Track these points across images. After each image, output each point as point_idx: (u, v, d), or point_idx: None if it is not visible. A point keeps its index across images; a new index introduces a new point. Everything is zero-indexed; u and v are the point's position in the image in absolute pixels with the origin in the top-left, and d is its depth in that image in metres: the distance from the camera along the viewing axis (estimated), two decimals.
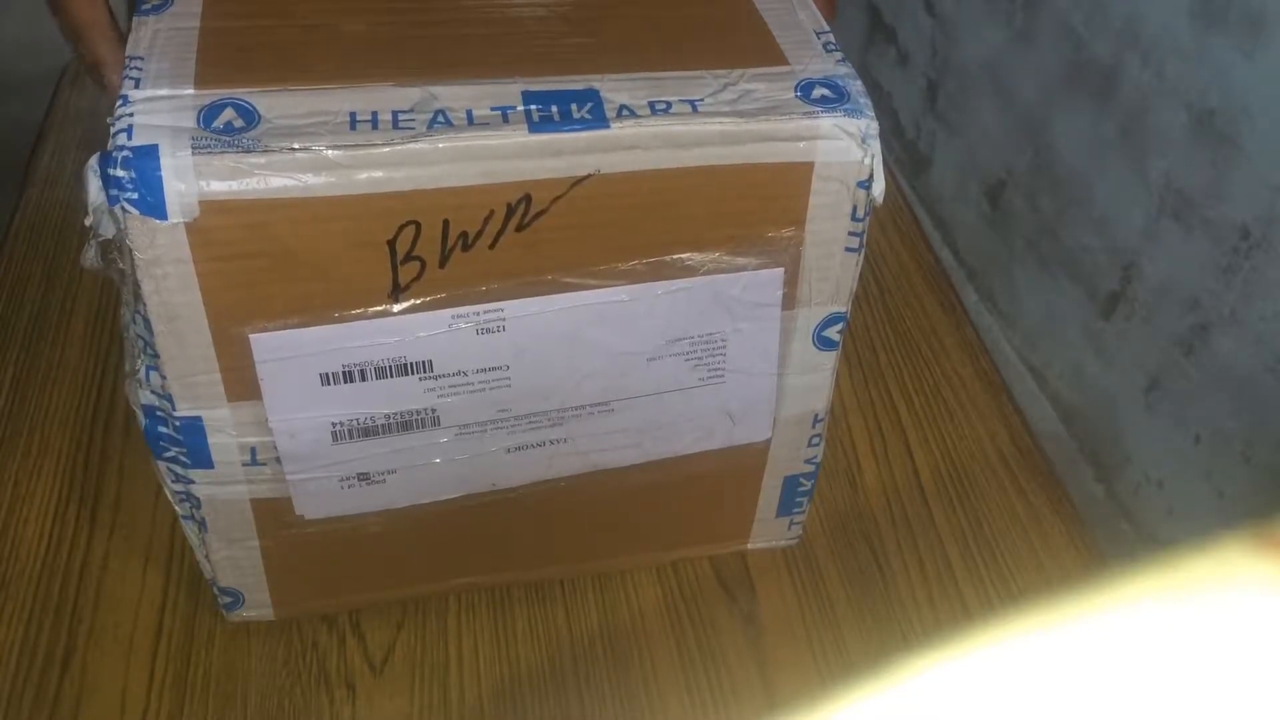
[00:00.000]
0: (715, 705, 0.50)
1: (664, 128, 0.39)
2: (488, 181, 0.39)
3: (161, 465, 0.44)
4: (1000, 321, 1.17)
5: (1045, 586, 0.56)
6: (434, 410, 0.44)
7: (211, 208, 0.36)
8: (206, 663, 0.50)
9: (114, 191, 0.36)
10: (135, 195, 0.36)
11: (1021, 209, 1.11)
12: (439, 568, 0.52)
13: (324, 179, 0.37)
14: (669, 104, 0.40)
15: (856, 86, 0.42)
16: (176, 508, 0.46)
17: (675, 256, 0.42)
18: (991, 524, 0.59)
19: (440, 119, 0.38)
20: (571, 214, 0.40)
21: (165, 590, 0.53)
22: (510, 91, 0.40)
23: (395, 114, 0.38)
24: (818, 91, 0.42)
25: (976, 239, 1.21)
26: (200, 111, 0.37)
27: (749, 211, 0.42)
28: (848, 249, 0.44)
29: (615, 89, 0.40)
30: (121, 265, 0.38)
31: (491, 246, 0.40)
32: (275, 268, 0.38)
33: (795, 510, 0.55)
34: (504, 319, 0.42)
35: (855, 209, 0.43)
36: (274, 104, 0.38)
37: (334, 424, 0.43)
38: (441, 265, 0.40)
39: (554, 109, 0.39)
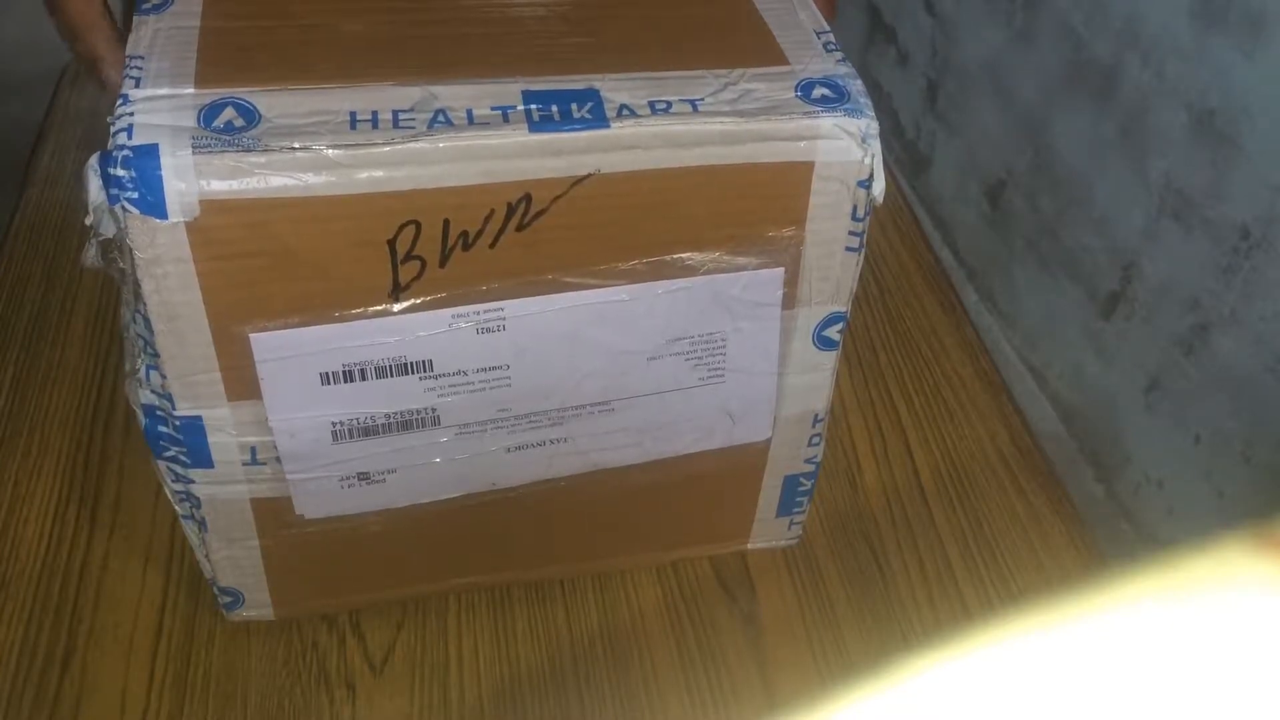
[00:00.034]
0: (715, 705, 0.50)
1: (664, 127, 0.39)
2: (488, 181, 0.39)
3: (161, 465, 0.44)
4: (1000, 321, 1.17)
5: (1045, 586, 0.56)
6: (434, 410, 0.44)
7: (212, 207, 0.36)
8: (206, 663, 0.50)
9: (114, 191, 0.36)
10: (135, 194, 0.36)
11: (1021, 209, 1.11)
12: (439, 567, 0.52)
13: (324, 178, 0.37)
14: (669, 103, 0.40)
15: (857, 86, 0.42)
16: (176, 507, 0.46)
17: (675, 256, 0.42)
18: (991, 524, 0.59)
19: (440, 118, 0.38)
20: (572, 213, 0.40)
21: (165, 590, 0.53)
22: (510, 91, 0.40)
23: (395, 113, 0.38)
24: (818, 91, 0.42)
25: (976, 239, 1.21)
26: (200, 111, 0.37)
27: (749, 211, 0.42)
28: (848, 248, 0.44)
29: (615, 88, 0.40)
30: (122, 264, 0.38)
31: (492, 246, 0.40)
32: (275, 267, 0.38)
33: (795, 510, 0.55)
34: (504, 318, 0.42)
35: (855, 208, 0.43)
36: (274, 103, 0.38)
37: (334, 423, 0.43)
38: (442, 265, 0.40)
39: (554, 108, 0.39)
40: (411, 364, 0.42)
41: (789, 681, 0.51)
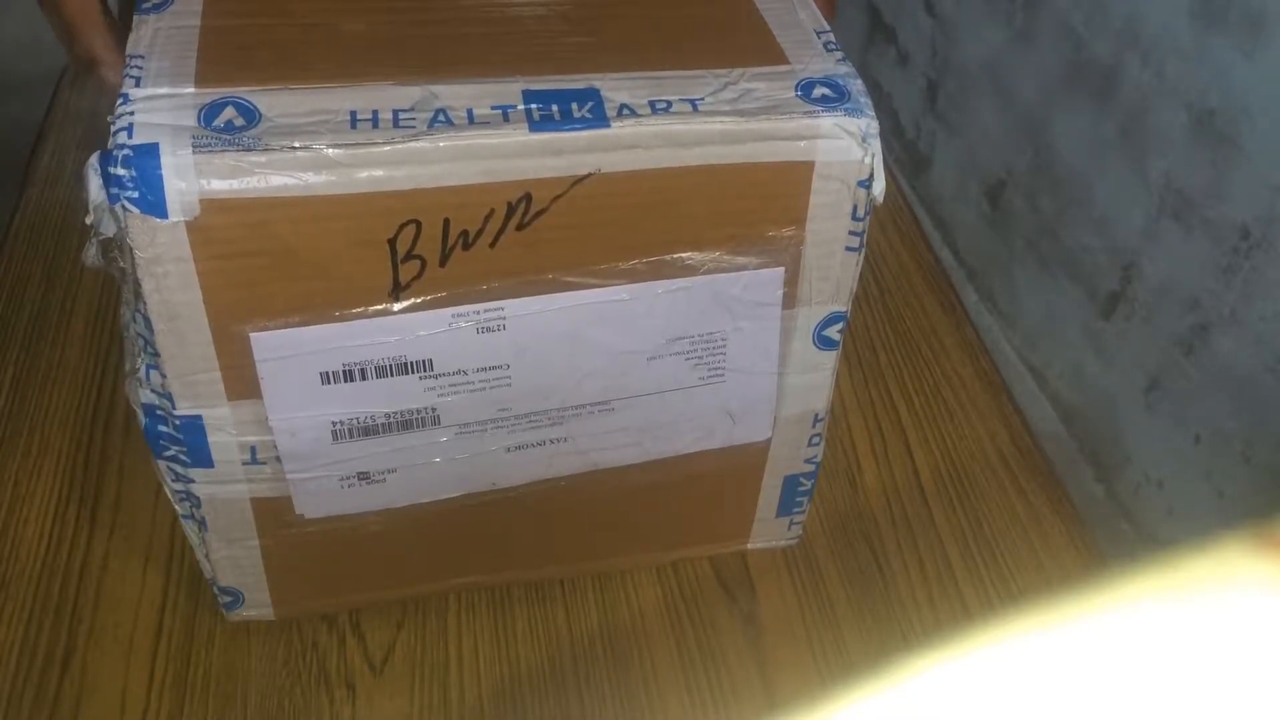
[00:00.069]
0: (715, 705, 0.50)
1: (664, 127, 0.39)
2: (488, 180, 0.39)
3: (161, 464, 0.44)
4: (1000, 321, 1.17)
5: (1045, 586, 0.56)
6: (434, 409, 0.44)
7: (212, 206, 0.36)
8: (206, 663, 0.50)
9: (114, 190, 0.36)
10: (136, 194, 0.36)
11: (1021, 209, 1.11)
12: (439, 567, 0.52)
13: (324, 178, 0.37)
14: (669, 103, 0.40)
15: (857, 86, 0.42)
16: (176, 507, 0.46)
17: (675, 256, 0.42)
18: (991, 524, 0.59)
19: (441, 118, 0.38)
20: (572, 213, 0.40)
21: (165, 590, 0.53)
22: (511, 90, 0.40)
23: (396, 113, 0.38)
24: (818, 91, 0.42)
25: (976, 239, 1.21)
26: (201, 110, 0.37)
27: (749, 211, 0.42)
28: (848, 248, 0.44)
29: (616, 88, 0.40)
30: (122, 264, 0.38)
31: (492, 245, 0.40)
32: (276, 266, 0.38)
33: (795, 510, 0.55)
34: (504, 318, 0.42)
35: (856, 208, 0.43)
36: (275, 103, 0.38)
37: (334, 423, 0.43)
38: (442, 264, 0.40)
39: (554, 108, 0.39)
40: (411, 363, 0.42)
41: (789, 681, 0.51)
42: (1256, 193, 0.80)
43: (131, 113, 0.37)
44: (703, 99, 0.40)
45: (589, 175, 0.39)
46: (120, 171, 0.36)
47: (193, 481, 0.44)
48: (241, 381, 0.41)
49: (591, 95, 0.40)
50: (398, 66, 0.40)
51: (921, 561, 0.57)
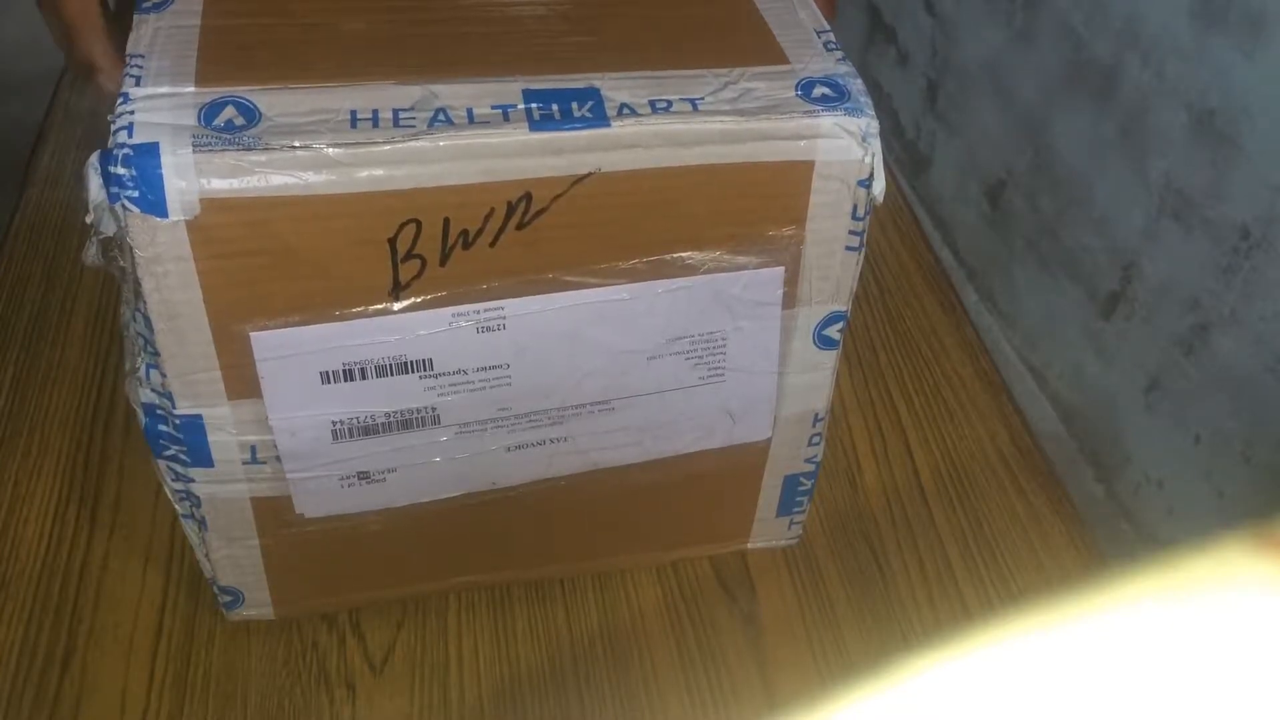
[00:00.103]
0: (715, 705, 0.50)
1: (665, 126, 0.39)
2: (488, 180, 0.39)
3: (161, 464, 0.44)
4: (1000, 321, 1.17)
5: (1045, 586, 0.56)
6: (434, 409, 0.44)
7: (212, 205, 0.36)
8: (206, 663, 0.50)
9: (114, 189, 0.36)
10: (136, 193, 0.36)
11: (1021, 209, 1.11)
12: (439, 567, 0.52)
13: (325, 177, 0.37)
14: (670, 102, 0.40)
15: (857, 85, 0.42)
16: (176, 506, 0.46)
17: (676, 255, 0.42)
18: (991, 524, 0.59)
19: (441, 117, 0.38)
20: (572, 212, 0.40)
21: (165, 590, 0.53)
22: (511, 90, 0.40)
23: (396, 112, 0.38)
24: (818, 90, 0.42)
25: (976, 239, 1.21)
26: (201, 109, 0.37)
27: (749, 210, 0.42)
28: (848, 248, 0.44)
29: (616, 87, 0.40)
30: (122, 263, 0.38)
31: (492, 245, 0.40)
32: (276, 265, 0.38)
33: (795, 510, 0.55)
34: (504, 317, 0.42)
35: (856, 208, 0.43)
36: (275, 102, 0.38)
37: (334, 422, 0.43)
38: (442, 263, 0.40)
39: (554, 107, 0.39)
40: (412, 363, 0.42)
41: (789, 681, 0.51)
42: (1256, 193, 0.80)
43: (132, 112, 0.37)
44: (703, 98, 0.40)
45: (589, 175, 0.39)
46: (120, 170, 0.36)
47: (193, 481, 0.44)
48: (241, 381, 0.41)
49: (592, 95, 0.40)
50: (398, 66, 0.40)
51: (921, 561, 0.57)
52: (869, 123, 0.41)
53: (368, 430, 0.43)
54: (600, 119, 0.39)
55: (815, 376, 0.49)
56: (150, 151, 0.36)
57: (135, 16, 0.41)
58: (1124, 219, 0.95)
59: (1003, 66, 1.12)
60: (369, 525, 0.47)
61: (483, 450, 0.46)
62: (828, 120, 0.41)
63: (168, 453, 0.43)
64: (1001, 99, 1.12)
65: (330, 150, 0.37)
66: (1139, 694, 0.12)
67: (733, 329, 0.45)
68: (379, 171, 0.37)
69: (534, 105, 0.39)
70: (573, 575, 0.54)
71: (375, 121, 0.38)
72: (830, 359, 0.48)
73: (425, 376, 0.42)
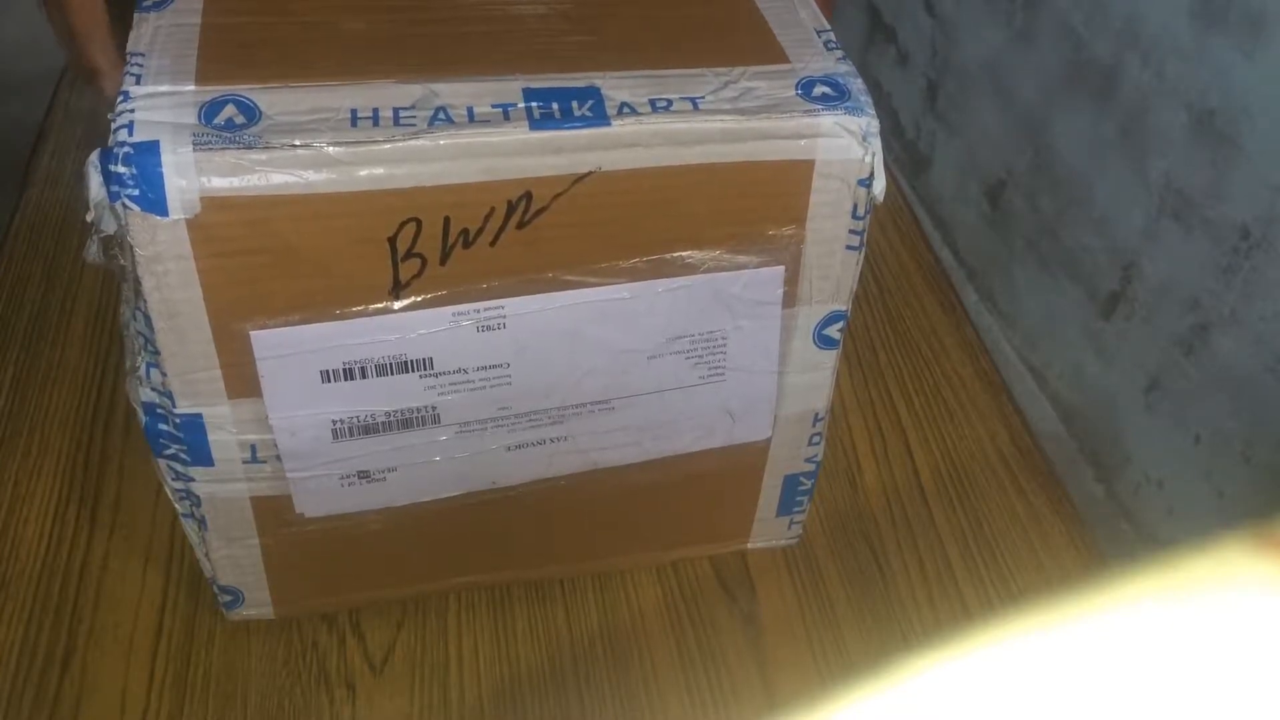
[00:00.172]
0: (715, 705, 0.50)
1: (665, 125, 0.39)
2: (489, 179, 0.39)
3: (162, 463, 0.44)
4: (1000, 321, 1.17)
5: (1045, 586, 0.56)
6: (434, 408, 0.44)
7: (212, 204, 0.36)
8: (206, 663, 0.50)
9: (115, 188, 0.36)
10: (136, 191, 0.36)
11: (1021, 209, 1.11)
12: (439, 566, 0.52)
13: (325, 175, 0.37)
14: (670, 101, 0.40)
15: (857, 84, 0.42)
16: (176, 506, 0.46)
17: (676, 254, 0.42)
18: (991, 524, 0.59)
19: (441, 116, 0.38)
20: (572, 211, 0.40)
21: (165, 590, 0.53)
22: (511, 89, 0.40)
23: (396, 111, 0.38)
24: (819, 89, 0.41)
25: (976, 239, 1.21)
26: (201, 108, 0.37)
27: (750, 209, 0.42)
28: (848, 247, 0.44)
29: (616, 86, 0.40)
30: (122, 261, 0.38)
31: (492, 244, 0.40)
32: (276, 264, 0.38)
33: (795, 510, 0.55)
34: (505, 316, 0.42)
35: (856, 207, 0.43)
36: (275, 100, 0.38)
37: (334, 421, 0.43)
38: (442, 262, 0.40)
39: (555, 106, 0.39)
40: (412, 362, 0.42)
41: (789, 681, 0.51)
42: (1256, 193, 0.80)
43: (132, 110, 0.37)
44: (703, 97, 0.40)
45: (589, 174, 0.39)
46: (121, 169, 0.36)
47: (193, 480, 0.44)
48: (242, 380, 0.41)
49: (592, 94, 0.40)
50: (398, 65, 0.40)
51: (921, 561, 0.57)
52: (869, 122, 0.41)
53: (368, 429, 0.43)
54: (600, 118, 0.39)
55: (815, 376, 0.49)
56: (150, 150, 0.36)
57: (135, 15, 0.41)
58: (1124, 219, 0.95)
59: (1003, 66, 1.12)
60: (369, 525, 0.47)
61: (483, 449, 0.46)
62: (828, 119, 0.41)
63: (168, 452, 0.43)
64: (1001, 99, 1.12)
65: (331, 149, 0.37)
66: (1139, 694, 0.12)
67: (733, 328, 0.45)
68: (379, 170, 0.37)
69: (534, 104, 0.39)
70: (573, 575, 0.54)
71: (376, 120, 0.38)
72: (830, 358, 0.48)
73: (425, 376, 0.42)
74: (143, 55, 0.39)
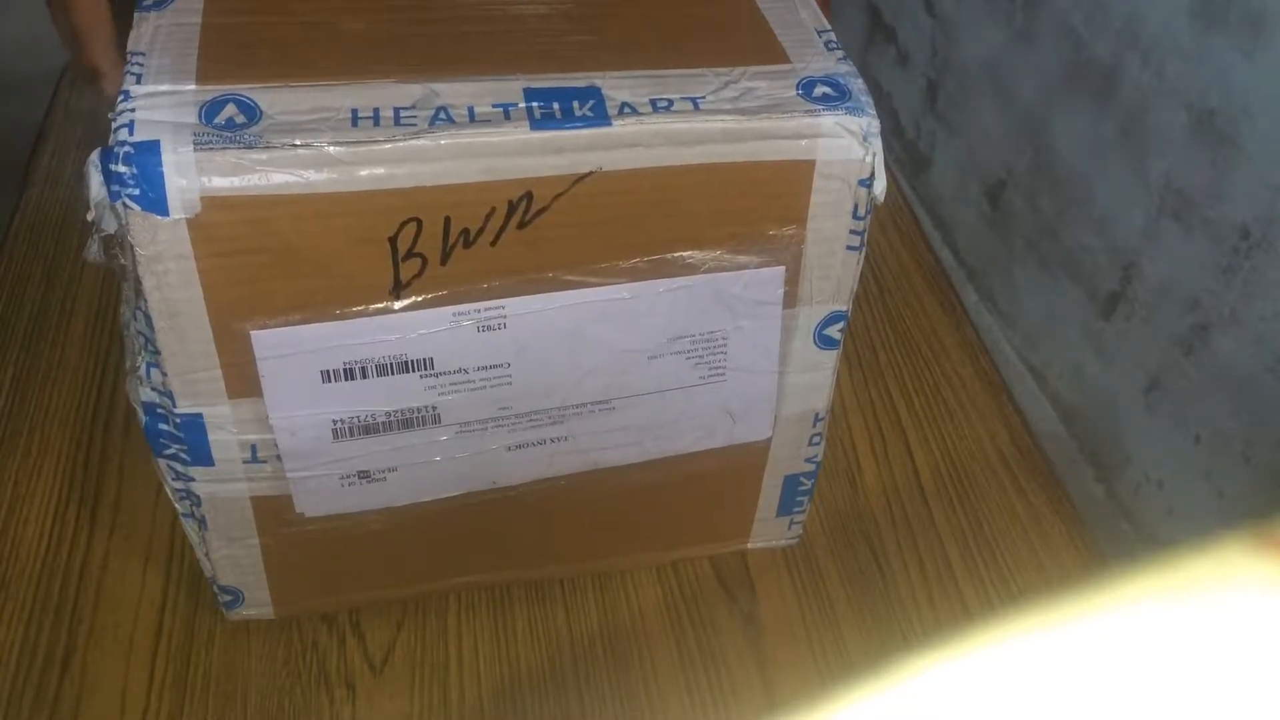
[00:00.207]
0: (715, 705, 0.50)
1: (666, 125, 0.39)
2: (489, 179, 0.39)
3: (162, 463, 0.44)
4: (1000, 321, 1.17)
5: (1045, 586, 0.56)
6: (435, 408, 0.44)
7: (213, 204, 0.36)
8: (206, 663, 0.50)
9: (115, 187, 0.36)
10: (137, 191, 0.36)
11: (1021, 209, 1.11)
12: (439, 566, 0.52)
13: (326, 175, 0.37)
14: (671, 101, 0.40)
15: (858, 85, 0.42)
16: (176, 505, 0.46)
17: (677, 254, 0.42)
18: (991, 524, 0.59)
19: (442, 116, 0.38)
20: (573, 211, 0.40)
21: (165, 590, 0.53)
22: (512, 88, 0.40)
23: (397, 111, 0.38)
24: (819, 89, 0.42)
25: (976, 239, 1.21)
26: (202, 107, 0.37)
27: (750, 209, 0.42)
28: (849, 247, 0.44)
29: (617, 86, 0.40)
30: (123, 261, 0.38)
31: (493, 244, 0.40)
32: (277, 264, 0.38)
33: (795, 510, 0.55)
34: (505, 316, 0.42)
35: (857, 207, 0.43)
36: (276, 100, 0.38)
37: (335, 421, 0.43)
38: (443, 262, 0.40)
39: (556, 106, 0.39)
40: (412, 362, 0.42)
41: (789, 681, 0.51)
42: (1256, 193, 0.80)
43: (133, 110, 0.37)
44: (704, 97, 0.40)
45: (590, 173, 0.39)
46: (121, 169, 0.36)
47: (193, 480, 0.44)
48: (242, 379, 0.41)
49: (593, 93, 0.40)
50: (399, 64, 0.40)
51: (921, 561, 0.57)
52: (870, 122, 0.41)
53: (368, 429, 0.43)
54: (601, 118, 0.39)
55: (816, 376, 0.49)
56: (151, 149, 0.36)
57: (136, 14, 0.41)
58: (1124, 219, 0.95)
59: (1003, 66, 1.12)
60: (369, 525, 0.47)
61: (483, 449, 0.46)
62: (829, 120, 0.41)
63: (168, 451, 0.43)
64: (1001, 99, 1.12)
65: (331, 149, 0.37)
66: (1139, 694, 0.12)
67: (733, 328, 0.45)
68: (380, 170, 0.37)
69: (535, 104, 0.39)
70: (573, 575, 0.54)
71: (376, 120, 0.38)
72: (831, 359, 0.48)
73: (426, 375, 0.42)
74: (143, 54, 0.39)
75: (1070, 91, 1.01)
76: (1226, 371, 0.85)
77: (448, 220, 0.39)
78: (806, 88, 0.42)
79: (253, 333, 0.40)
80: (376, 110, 0.38)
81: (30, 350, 0.64)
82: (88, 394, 0.62)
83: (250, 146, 0.36)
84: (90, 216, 0.37)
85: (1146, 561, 0.13)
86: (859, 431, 0.63)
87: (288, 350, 0.40)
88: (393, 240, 0.39)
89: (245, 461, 0.44)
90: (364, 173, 0.37)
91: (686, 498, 0.52)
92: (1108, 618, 0.13)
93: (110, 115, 0.37)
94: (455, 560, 0.52)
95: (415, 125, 0.38)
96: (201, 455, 0.43)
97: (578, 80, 0.40)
